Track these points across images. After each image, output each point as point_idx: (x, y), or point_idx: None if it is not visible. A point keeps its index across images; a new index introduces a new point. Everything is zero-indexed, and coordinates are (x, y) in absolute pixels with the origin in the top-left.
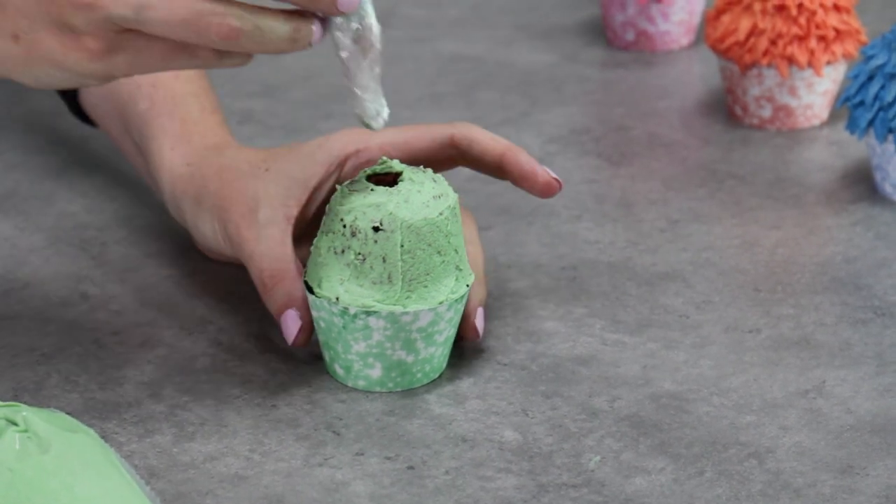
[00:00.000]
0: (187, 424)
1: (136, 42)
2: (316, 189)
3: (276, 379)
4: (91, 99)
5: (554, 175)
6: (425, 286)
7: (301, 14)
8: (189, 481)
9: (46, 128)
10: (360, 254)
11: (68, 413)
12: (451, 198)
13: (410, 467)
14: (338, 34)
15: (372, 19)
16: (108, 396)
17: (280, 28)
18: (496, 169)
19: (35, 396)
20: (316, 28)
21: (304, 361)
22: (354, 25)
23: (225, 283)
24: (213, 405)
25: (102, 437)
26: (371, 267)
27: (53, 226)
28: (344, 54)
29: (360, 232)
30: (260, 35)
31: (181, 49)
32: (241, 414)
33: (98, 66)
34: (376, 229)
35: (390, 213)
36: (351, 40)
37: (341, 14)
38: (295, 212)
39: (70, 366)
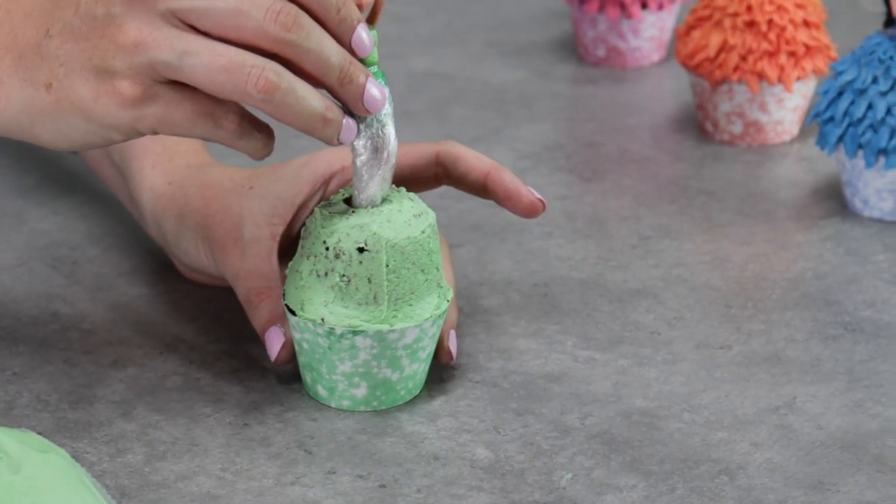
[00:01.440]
0: (159, 444)
1: (169, 95)
2: (301, 207)
3: (249, 398)
4: None
5: (538, 195)
6: (410, 304)
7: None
8: (161, 501)
9: (18, 146)
10: (344, 275)
11: (39, 433)
12: (431, 216)
13: (382, 486)
14: (356, 142)
15: (391, 129)
16: (80, 416)
17: (314, 101)
18: (480, 188)
19: (6, 416)
20: (348, 122)
21: (276, 380)
22: (374, 131)
23: (197, 301)
24: (185, 424)
25: (74, 457)
26: (356, 288)
27: (25, 244)
28: (359, 161)
29: (344, 254)
30: (294, 98)
31: (208, 115)
32: (213, 433)
33: (126, 115)
34: (361, 250)
35: (374, 234)
36: (369, 148)
37: (365, 113)
38: (280, 230)
39: (41, 385)
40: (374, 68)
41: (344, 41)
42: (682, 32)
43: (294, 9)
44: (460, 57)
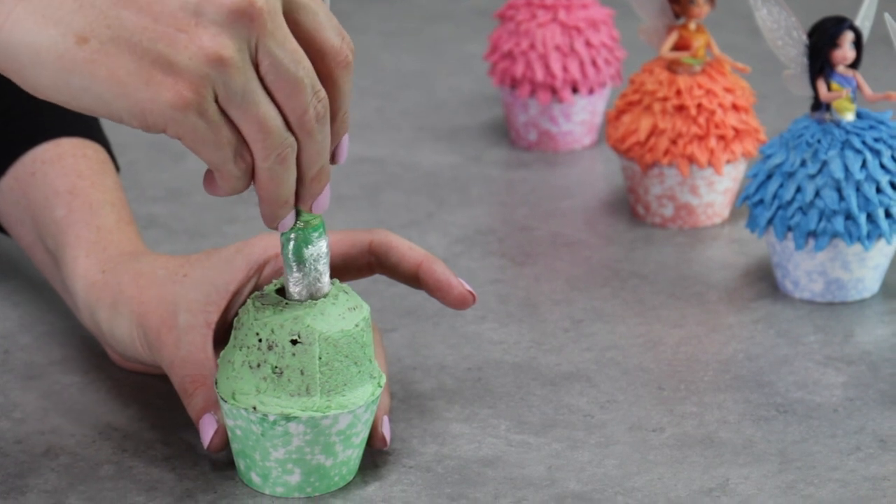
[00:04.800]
0: None
1: (214, 115)
2: (235, 294)
3: (182, 485)
4: (1, 206)
5: (469, 287)
6: (343, 395)
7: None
8: None
9: None
10: (277, 367)
11: None
12: (365, 309)
13: None
14: (292, 288)
15: (327, 278)
16: None
17: (292, 185)
18: (412, 278)
19: None
20: (293, 215)
21: (210, 467)
22: (311, 280)
23: (130, 389)
24: None
25: None
26: (289, 380)
27: None
28: (287, 265)
29: (276, 345)
30: (287, 177)
31: (233, 147)
32: None
33: (169, 113)
34: (294, 342)
35: (308, 326)
36: (304, 295)
37: (308, 208)
38: (215, 317)
39: None
40: (318, 220)
41: (334, 141)
42: (613, 116)
43: (328, 102)
44: (392, 142)
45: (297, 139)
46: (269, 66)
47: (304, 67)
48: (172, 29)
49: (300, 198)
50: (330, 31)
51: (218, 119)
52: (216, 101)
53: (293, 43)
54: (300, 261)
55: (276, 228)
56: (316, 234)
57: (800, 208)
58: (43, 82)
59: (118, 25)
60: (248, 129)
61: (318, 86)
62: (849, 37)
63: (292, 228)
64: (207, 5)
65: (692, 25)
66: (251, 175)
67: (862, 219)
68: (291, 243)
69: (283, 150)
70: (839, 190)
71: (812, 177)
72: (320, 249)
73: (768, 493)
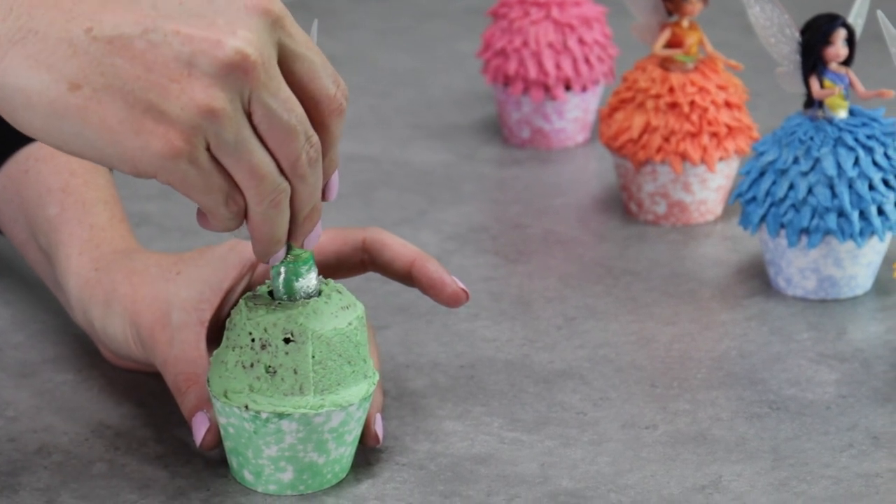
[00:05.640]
0: None
1: (206, 163)
2: (229, 292)
3: (175, 483)
4: None
5: (462, 285)
6: (336, 393)
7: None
8: None
9: None
10: (270, 366)
11: None
12: (359, 308)
13: None
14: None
15: (311, 281)
16: None
17: (285, 227)
18: (405, 276)
19: None
20: (284, 249)
21: (203, 465)
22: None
23: (123, 387)
24: None
25: None
26: (282, 379)
27: None
28: (278, 297)
29: (270, 345)
30: (280, 221)
31: (225, 192)
32: None
33: (158, 161)
34: (287, 341)
35: (300, 325)
36: (283, 291)
37: (300, 244)
38: (208, 315)
39: None
40: (308, 254)
41: (324, 179)
42: (606, 114)
43: (320, 147)
44: (385, 140)
45: (290, 183)
46: (262, 115)
47: (296, 115)
48: (165, 79)
49: (292, 235)
50: (325, 79)
51: (209, 167)
52: (208, 149)
53: (286, 91)
54: (290, 294)
55: (266, 262)
56: (305, 268)
57: (792, 205)
58: (35, 125)
59: (111, 73)
60: (240, 177)
61: (311, 131)
62: (841, 34)
63: (282, 262)
64: (201, 57)
65: (685, 23)
66: (244, 215)
67: (854, 216)
68: (282, 277)
69: (276, 196)
70: (832, 187)
71: (805, 174)
72: (310, 282)
73: (761, 490)
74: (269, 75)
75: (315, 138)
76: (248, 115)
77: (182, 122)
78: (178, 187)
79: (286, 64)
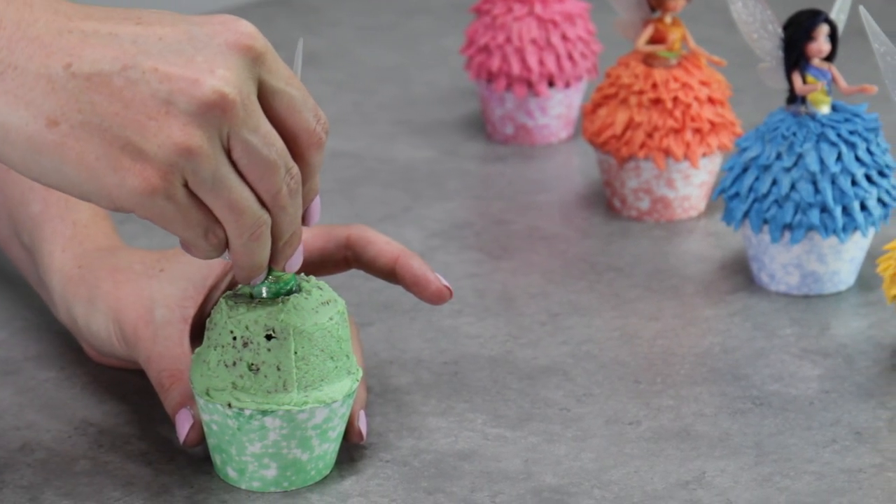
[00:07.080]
0: None
1: (184, 199)
2: (212, 289)
3: (158, 480)
4: None
5: (445, 283)
6: (320, 390)
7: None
8: None
9: None
10: (253, 364)
11: None
12: (340, 303)
13: None
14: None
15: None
16: None
17: (266, 255)
18: (389, 273)
19: None
20: (264, 273)
21: (186, 462)
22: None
23: (106, 384)
24: None
25: None
26: (265, 376)
27: None
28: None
29: (252, 342)
30: (261, 251)
31: (204, 226)
32: None
33: (136, 198)
34: (269, 337)
35: (282, 321)
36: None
37: (281, 267)
38: (192, 312)
39: None
40: (290, 276)
41: (304, 206)
42: (589, 110)
43: (300, 177)
44: (368, 136)
45: (270, 213)
46: (242, 151)
47: (276, 150)
48: (143, 116)
49: (273, 260)
50: (306, 113)
51: (186, 203)
52: (186, 185)
53: (266, 126)
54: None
55: (248, 285)
56: (287, 289)
57: (775, 201)
58: (13, 160)
59: (89, 110)
60: (220, 212)
61: (291, 163)
62: (824, 30)
63: (263, 283)
64: (179, 95)
65: (668, 19)
66: (225, 245)
67: (837, 211)
68: (263, 294)
69: (256, 229)
70: (815, 183)
71: (788, 170)
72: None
73: (744, 486)
74: (247, 112)
75: (295, 169)
76: (228, 151)
77: (159, 159)
78: (156, 222)
79: (266, 99)
